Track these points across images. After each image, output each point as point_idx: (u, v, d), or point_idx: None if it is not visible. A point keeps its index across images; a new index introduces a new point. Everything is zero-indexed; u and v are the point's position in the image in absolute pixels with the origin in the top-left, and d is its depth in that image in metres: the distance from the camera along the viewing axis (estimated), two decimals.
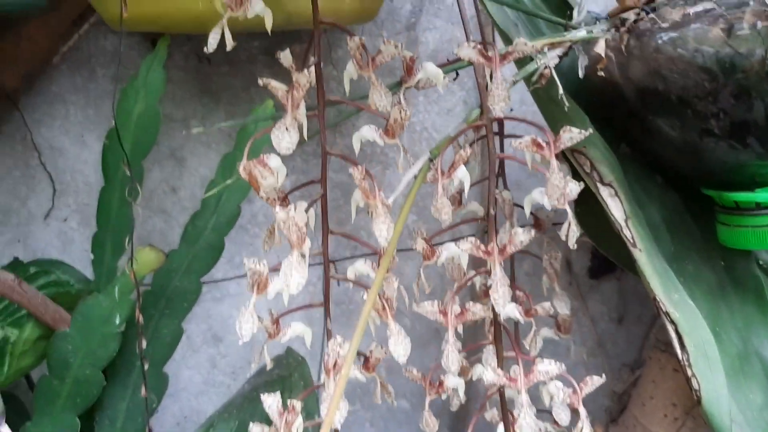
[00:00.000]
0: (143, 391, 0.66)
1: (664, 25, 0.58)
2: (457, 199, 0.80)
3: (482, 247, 0.54)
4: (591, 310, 0.97)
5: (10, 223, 0.99)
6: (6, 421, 0.79)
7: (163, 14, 0.73)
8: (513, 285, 0.80)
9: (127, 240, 0.64)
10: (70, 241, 0.99)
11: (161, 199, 0.98)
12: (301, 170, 0.97)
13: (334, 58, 0.95)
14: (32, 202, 0.99)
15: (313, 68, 0.53)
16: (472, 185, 0.76)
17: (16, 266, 0.83)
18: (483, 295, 0.78)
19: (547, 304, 0.64)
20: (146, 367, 0.67)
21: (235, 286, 0.99)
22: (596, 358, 0.98)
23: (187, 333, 1.00)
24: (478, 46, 0.53)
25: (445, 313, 0.55)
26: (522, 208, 0.63)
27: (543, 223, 0.80)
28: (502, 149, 0.84)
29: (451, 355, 0.54)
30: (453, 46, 0.94)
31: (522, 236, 0.53)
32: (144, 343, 0.66)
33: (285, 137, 0.47)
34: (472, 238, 0.54)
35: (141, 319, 0.64)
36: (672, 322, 0.65)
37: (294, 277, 0.49)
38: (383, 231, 0.50)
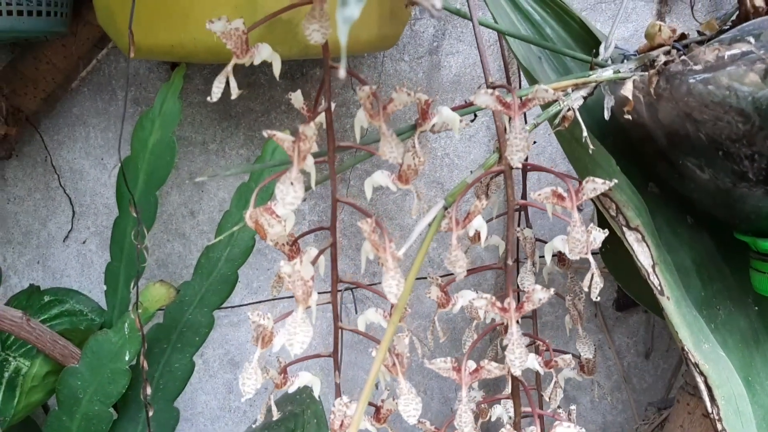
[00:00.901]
0: None
1: (697, 67, 0.55)
2: (477, 234, 0.77)
3: (498, 304, 0.51)
4: (617, 344, 0.94)
5: (30, 245, 0.99)
6: None
7: (177, 45, 0.72)
8: (534, 324, 0.78)
9: (132, 283, 0.63)
10: (89, 263, 0.98)
11: (180, 223, 0.97)
12: (319, 195, 0.95)
13: (355, 83, 0.93)
14: (52, 224, 0.99)
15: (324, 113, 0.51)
16: (496, 217, 0.74)
17: (31, 293, 0.83)
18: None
19: (568, 357, 0.61)
20: (151, 413, 0.65)
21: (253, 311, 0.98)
22: (621, 393, 0.95)
23: (204, 358, 0.99)
24: (496, 93, 0.50)
25: (458, 370, 0.52)
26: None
27: (567, 260, 0.77)
28: (525, 185, 0.82)
29: (464, 416, 0.52)
30: (476, 71, 0.92)
31: (541, 294, 0.51)
32: (149, 389, 0.64)
33: (290, 192, 0.45)
34: (488, 295, 0.51)
35: (146, 364, 0.62)
36: (701, 373, 0.61)
37: (298, 335, 0.47)
38: (393, 287, 0.48)
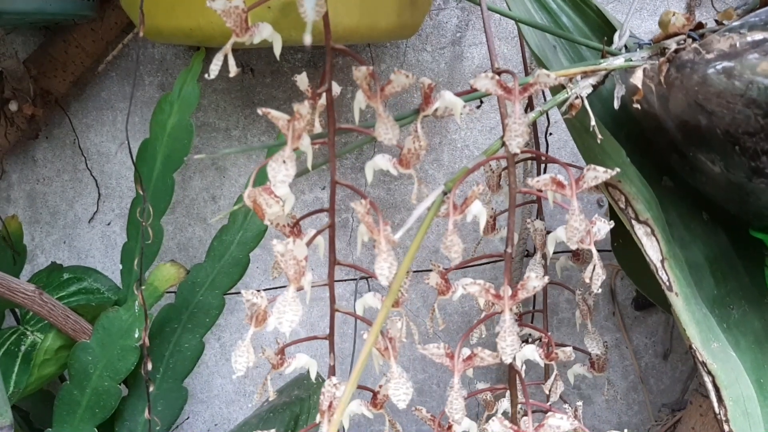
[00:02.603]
0: (147, 413, 0.66)
1: (710, 55, 0.53)
2: (491, 225, 0.76)
3: (492, 290, 0.50)
4: (634, 343, 0.92)
5: (57, 225, 1.02)
6: (28, 422, 0.80)
7: (196, 28, 0.72)
8: (545, 318, 0.77)
9: (136, 261, 0.63)
10: (113, 244, 1.00)
11: (201, 208, 0.98)
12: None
13: (377, 72, 0.93)
14: (78, 205, 1.01)
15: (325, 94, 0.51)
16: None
17: (51, 271, 0.85)
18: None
19: (568, 349, 0.60)
20: (151, 389, 0.66)
21: (270, 296, 0.99)
22: (638, 394, 0.93)
23: (220, 342, 1.00)
24: (497, 78, 0.49)
25: (451, 357, 0.52)
26: None
27: (581, 255, 0.75)
28: (541, 173, 0.80)
29: (456, 403, 0.51)
30: (500, 63, 0.90)
31: (535, 282, 0.50)
32: (151, 366, 0.65)
33: (281, 170, 0.46)
34: (482, 281, 0.51)
35: (147, 340, 0.63)
36: (709, 373, 0.60)
37: (287, 314, 0.47)
38: (385, 270, 0.48)
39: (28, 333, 0.77)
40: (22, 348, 0.76)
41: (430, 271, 0.59)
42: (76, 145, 1.00)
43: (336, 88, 0.56)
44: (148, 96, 0.97)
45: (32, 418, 0.87)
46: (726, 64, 0.53)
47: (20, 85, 0.91)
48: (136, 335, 0.71)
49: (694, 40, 0.57)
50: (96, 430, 0.72)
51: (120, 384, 0.74)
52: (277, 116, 0.47)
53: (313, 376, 0.57)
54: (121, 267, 0.85)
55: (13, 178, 1.01)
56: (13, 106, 0.93)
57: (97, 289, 0.81)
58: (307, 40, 0.39)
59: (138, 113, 0.98)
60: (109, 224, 1.01)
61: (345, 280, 0.96)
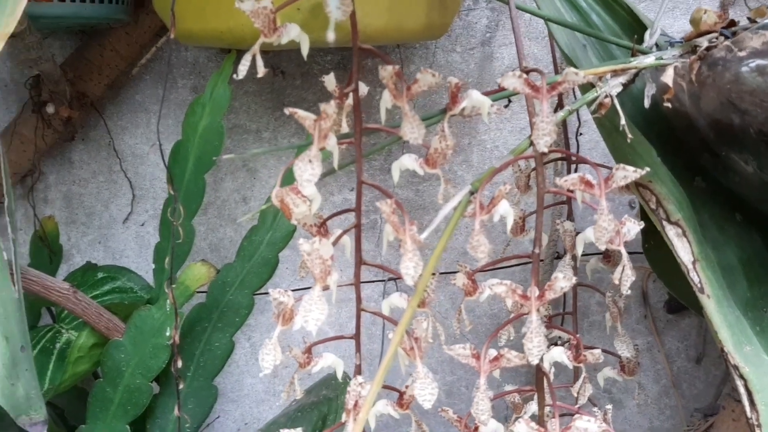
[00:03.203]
0: (176, 410, 0.67)
1: (742, 53, 0.52)
2: (520, 225, 0.76)
3: (519, 291, 0.50)
4: (667, 347, 0.91)
5: (92, 225, 1.04)
6: (63, 418, 0.82)
7: (226, 31, 0.73)
8: (574, 320, 0.76)
9: (167, 260, 0.64)
10: (146, 245, 1.02)
11: (232, 209, 0.99)
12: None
13: (406, 73, 0.93)
14: (113, 206, 1.03)
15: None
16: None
17: (86, 270, 0.87)
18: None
19: (597, 351, 0.59)
20: (181, 386, 0.67)
21: (298, 296, 1.00)
22: (670, 398, 0.91)
23: (251, 341, 1.01)
24: (524, 76, 0.49)
25: (477, 358, 0.52)
26: None
27: (612, 257, 0.75)
28: (571, 174, 0.80)
29: (482, 404, 0.51)
30: (529, 63, 0.90)
31: (563, 283, 0.49)
32: (181, 364, 0.66)
33: (307, 169, 0.46)
34: (508, 281, 0.50)
35: (177, 338, 0.64)
36: (741, 377, 0.59)
37: (313, 313, 0.47)
38: (410, 269, 0.48)
39: (63, 331, 0.79)
40: (57, 345, 0.77)
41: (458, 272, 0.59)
42: (111, 147, 1.02)
43: (363, 89, 0.56)
44: (182, 98, 0.99)
45: (67, 415, 0.88)
46: (759, 62, 0.52)
47: (57, 88, 0.93)
48: (168, 333, 0.72)
49: (726, 37, 0.56)
50: (128, 427, 0.73)
51: (152, 382, 0.76)
52: (304, 116, 0.47)
53: (339, 375, 0.57)
54: (153, 266, 0.86)
55: (51, 180, 1.03)
56: (50, 109, 0.95)
57: (131, 288, 0.82)
58: (330, 37, 0.39)
59: (171, 116, 0.99)
60: (142, 225, 1.02)
61: (374, 281, 0.97)
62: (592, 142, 0.91)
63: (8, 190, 0.64)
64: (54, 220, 0.99)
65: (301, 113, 0.47)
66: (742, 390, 0.58)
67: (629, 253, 0.54)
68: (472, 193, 0.54)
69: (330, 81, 0.55)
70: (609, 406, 0.65)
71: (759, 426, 0.56)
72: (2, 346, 0.57)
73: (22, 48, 0.86)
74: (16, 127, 0.97)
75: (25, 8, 0.78)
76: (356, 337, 0.56)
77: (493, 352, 0.52)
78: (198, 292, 0.81)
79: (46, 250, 0.97)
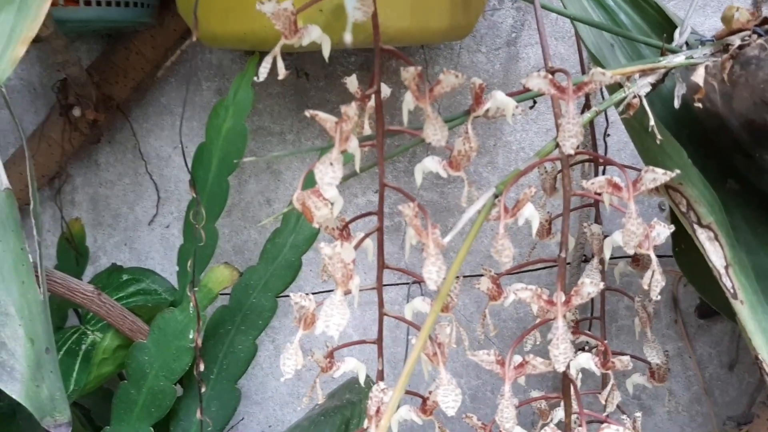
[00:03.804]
0: (198, 413, 0.67)
1: None
2: (546, 228, 0.74)
3: (544, 296, 0.49)
4: (698, 353, 0.88)
5: (118, 227, 1.04)
6: (89, 418, 0.82)
7: (249, 32, 0.73)
8: (602, 325, 0.74)
9: (189, 262, 0.64)
10: (172, 247, 1.02)
11: (256, 211, 0.99)
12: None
13: (430, 74, 0.92)
14: (139, 208, 1.03)
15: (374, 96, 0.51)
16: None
17: (111, 272, 0.87)
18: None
19: (626, 358, 0.57)
20: (204, 389, 0.67)
21: (322, 299, 0.99)
22: (702, 406, 0.89)
23: (275, 344, 1.01)
24: (549, 77, 0.48)
25: (502, 364, 0.51)
26: None
27: (641, 261, 0.73)
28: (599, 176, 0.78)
29: (506, 411, 0.50)
30: (555, 63, 0.89)
31: (590, 288, 0.48)
32: (203, 367, 0.66)
33: (329, 172, 0.45)
34: (533, 287, 0.49)
35: (200, 341, 0.64)
36: None
37: (334, 318, 0.47)
38: (433, 273, 0.47)
39: (89, 332, 0.79)
40: (83, 347, 0.78)
41: (483, 275, 0.58)
42: (136, 150, 1.02)
43: (386, 90, 0.56)
44: (206, 101, 0.99)
45: (93, 415, 0.89)
46: None
47: (83, 91, 0.93)
48: (191, 336, 0.72)
49: (759, 36, 0.54)
50: (152, 429, 0.73)
51: (175, 384, 0.76)
52: (325, 118, 0.47)
53: (362, 380, 0.57)
54: (177, 269, 0.87)
55: (77, 182, 1.04)
56: (76, 112, 0.96)
57: (155, 290, 0.83)
58: (348, 39, 0.38)
59: (196, 118, 0.99)
60: (167, 227, 1.03)
61: (397, 284, 0.96)
62: (620, 143, 0.89)
63: (33, 193, 0.65)
64: (81, 222, 1.00)
65: (321, 115, 0.47)
66: None
67: (659, 256, 0.52)
68: (496, 196, 0.53)
69: (352, 83, 0.54)
70: (638, 414, 0.63)
71: None
72: (27, 348, 0.57)
73: (49, 52, 0.86)
74: (44, 131, 0.98)
75: (52, 12, 0.80)
76: (378, 341, 0.55)
77: (518, 359, 0.51)
78: (221, 294, 0.81)
79: (73, 252, 0.97)
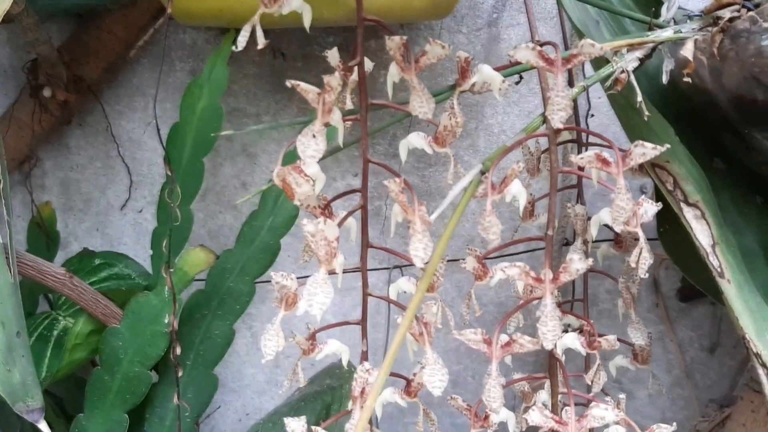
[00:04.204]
0: (175, 398, 0.65)
1: (767, 24, 0.50)
2: (529, 210, 0.74)
3: (532, 273, 0.48)
4: (679, 336, 0.88)
5: (90, 212, 1.01)
6: (62, 407, 0.80)
7: (225, 8, 0.71)
8: (585, 307, 0.74)
9: (165, 243, 0.62)
10: (145, 232, 1.00)
11: (231, 195, 0.97)
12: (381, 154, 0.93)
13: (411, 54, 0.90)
14: (111, 192, 1.00)
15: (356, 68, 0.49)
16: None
17: (83, 256, 0.84)
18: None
19: (612, 338, 0.57)
20: (180, 374, 0.65)
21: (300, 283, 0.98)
22: (683, 389, 0.89)
23: (252, 331, 0.99)
24: (537, 48, 0.47)
25: (489, 343, 0.50)
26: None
27: (624, 242, 0.72)
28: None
29: (493, 391, 0.49)
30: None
31: (578, 264, 0.47)
32: (178, 349, 0.64)
33: (311, 144, 0.44)
34: (521, 263, 0.48)
35: (176, 324, 0.62)
36: (764, 365, 0.56)
37: (317, 296, 0.45)
38: (420, 251, 0.46)
39: (60, 318, 0.77)
40: (54, 333, 0.75)
41: (465, 260, 0.56)
42: (108, 132, 0.99)
43: (368, 64, 0.54)
44: (180, 82, 0.96)
45: (65, 404, 0.86)
46: None
47: (54, 71, 0.90)
48: (166, 320, 0.70)
49: (749, 9, 0.54)
50: (126, 416, 0.71)
51: (150, 370, 0.74)
52: (307, 89, 0.45)
53: (345, 362, 0.55)
54: (151, 253, 0.84)
55: (48, 166, 1.01)
56: (47, 93, 0.93)
57: (128, 274, 0.80)
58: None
59: (170, 99, 0.97)
60: (140, 211, 1.00)
61: (378, 269, 0.94)
62: (602, 126, 0.88)
63: (3, 174, 0.62)
64: (51, 207, 0.97)
65: (303, 86, 0.45)
66: (764, 379, 0.55)
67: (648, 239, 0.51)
68: (482, 173, 0.51)
69: (333, 56, 0.53)
70: (622, 396, 0.63)
71: None
72: None
73: (20, 31, 0.83)
74: (14, 113, 0.95)
75: None
76: (362, 322, 0.54)
77: (504, 338, 0.50)
78: (196, 279, 0.79)
79: (44, 237, 0.95)
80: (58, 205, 1.00)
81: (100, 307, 0.71)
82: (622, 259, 0.75)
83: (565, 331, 0.73)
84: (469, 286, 0.87)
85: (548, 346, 0.47)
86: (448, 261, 0.90)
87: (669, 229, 0.67)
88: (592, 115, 0.84)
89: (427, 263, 0.48)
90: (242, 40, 0.46)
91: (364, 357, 0.53)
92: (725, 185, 0.62)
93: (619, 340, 0.67)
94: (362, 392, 0.48)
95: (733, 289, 0.57)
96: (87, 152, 1.00)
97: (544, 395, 0.68)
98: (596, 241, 0.69)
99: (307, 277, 0.94)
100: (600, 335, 0.61)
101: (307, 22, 0.49)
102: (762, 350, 0.56)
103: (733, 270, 0.57)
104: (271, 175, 0.96)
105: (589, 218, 0.70)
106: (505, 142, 0.53)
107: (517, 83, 0.54)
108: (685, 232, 0.59)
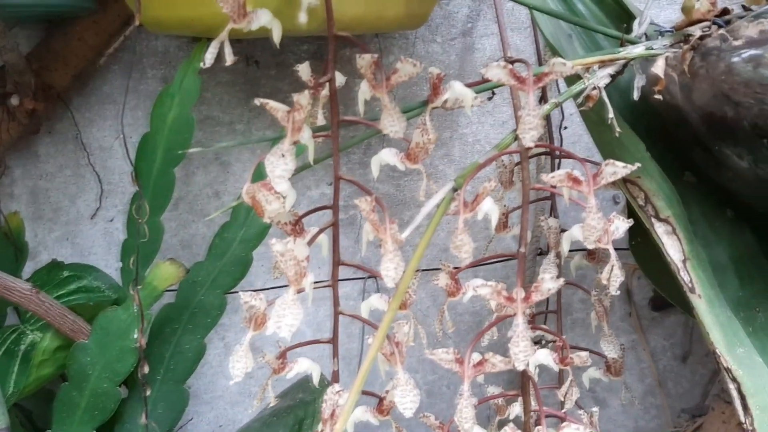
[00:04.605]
0: (143, 418, 0.64)
1: (737, 42, 0.50)
2: (503, 222, 0.73)
3: (504, 293, 0.48)
4: (652, 345, 0.89)
5: (59, 221, 0.99)
6: (31, 420, 0.79)
7: (196, 18, 0.70)
8: (558, 320, 0.74)
9: (132, 260, 0.61)
10: (116, 242, 0.98)
11: (204, 204, 0.96)
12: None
13: (385, 64, 0.90)
14: (81, 201, 0.99)
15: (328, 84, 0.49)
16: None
17: (52, 268, 0.83)
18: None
19: (584, 354, 0.57)
20: (149, 392, 0.64)
21: (274, 296, 0.97)
22: (656, 398, 0.90)
23: (225, 341, 0.98)
24: (509, 67, 0.47)
25: (461, 362, 0.49)
26: None
27: (597, 254, 0.72)
28: (555, 169, 0.77)
29: (465, 411, 0.48)
30: (512, 54, 0.88)
31: (550, 284, 0.47)
32: (146, 367, 0.63)
33: (279, 164, 0.43)
34: (493, 282, 0.48)
35: (143, 341, 0.61)
36: (734, 380, 0.57)
37: (286, 318, 0.45)
38: (391, 271, 0.45)
39: (28, 332, 0.75)
40: (22, 347, 0.74)
41: (440, 270, 0.56)
42: (78, 140, 0.98)
43: (340, 78, 0.54)
44: (152, 89, 0.95)
45: (35, 417, 0.85)
46: (755, 51, 0.50)
47: (21, 79, 0.89)
48: (135, 336, 0.69)
49: (719, 27, 0.54)
50: None
51: (120, 386, 0.72)
52: (276, 107, 0.44)
53: (316, 381, 0.55)
54: (122, 265, 0.83)
55: (16, 174, 0.99)
56: (14, 101, 0.91)
57: (97, 287, 0.79)
58: (302, 18, 0.36)
59: (141, 107, 0.95)
60: (111, 221, 0.98)
61: (352, 279, 0.94)
62: (575, 136, 0.88)
63: None
64: (19, 216, 0.95)
65: (272, 104, 0.44)
66: (734, 393, 0.56)
67: (615, 249, 0.51)
68: (455, 189, 0.51)
69: (304, 70, 0.52)
70: (595, 409, 0.63)
71: (753, 431, 0.54)
72: None
73: None
74: None
75: None
76: (334, 341, 0.53)
77: (477, 357, 0.50)
78: (168, 291, 0.78)
79: (12, 248, 0.93)
80: (27, 215, 0.98)
81: (67, 322, 0.69)
82: (595, 269, 0.75)
83: (539, 342, 0.73)
84: (444, 295, 0.87)
85: (520, 367, 0.46)
86: (422, 271, 0.90)
87: (640, 242, 0.67)
88: (566, 127, 0.85)
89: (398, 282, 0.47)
90: (209, 56, 0.45)
91: (335, 378, 0.53)
92: (696, 199, 0.62)
93: (592, 351, 0.68)
94: (332, 414, 0.48)
95: (703, 304, 0.57)
96: (56, 160, 0.98)
97: (518, 408, 0.68)
98: (570, 251, 0.69)
99: (282, 287, 0.93)
100: (573, 347, 0.61)
101: (276, 38, 0.49)
102: (732, 365, 0.56)
103: (703, 285, 0.57)
104: (243, 184, 0.95)
105: (562, 230, 0.70)
106: (478, 158, 0.53)
107: (489, 99, 0.54)
108: (656, 246, 0.59)
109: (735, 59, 0.50)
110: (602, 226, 0.48)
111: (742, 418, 0.56)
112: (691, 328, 0.88)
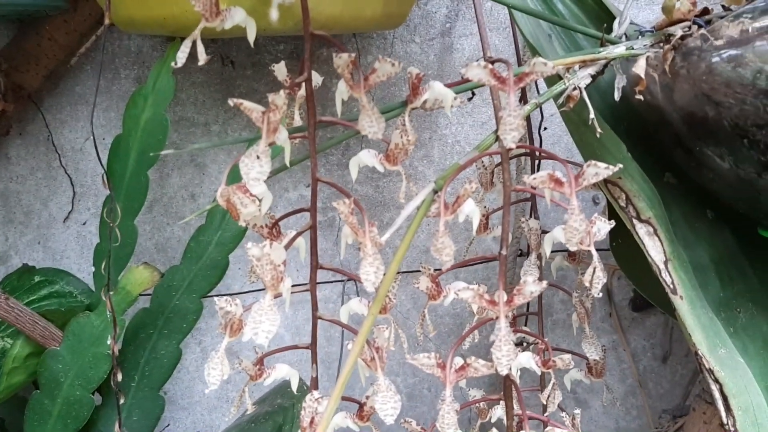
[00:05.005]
0: (117, 426, 0.62)
1: (718, 42, 0.50)
2: (484, 224, 0.73)
3: (486, 296, 0.47)
4: (632, 346, 0.89)
5: (31, 225, 0.97)
6: (3, 428, 0.76)
7: (169, 17, 0.68)
8: (540, 322, 0.73)
9: (104, 264, 0.59)
10: (89, 245, 0.96)
11: (179, 206, 0.94)
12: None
13: (363, 64, 0.89)
14: (53, 204, 0.97)
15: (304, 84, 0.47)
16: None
17: (22, 273, 0.81)
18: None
19: (567, 357, 0.56)
20: (122, 400, 0.62)
21: (252, 299, 0.95)
22: (636, 398, 0.89)
23: (201, 346, 0.96)
24: (490, 66, 0.46)
25: (443, 367, 0.48)
26: None
27: (577, 255, 0.72)
28: (536, 170, 0.77)
29: (447, 417, 0.47)
30: (492, 54, 0.87)
31: (532, 287, 0.46)
32: (120, 375, 0.61)
33: (255, 166, 0.42)
34: (475, 285, 0.47)
35: (116, 349, 0.59)
36: (716, 381, 0.56)
37: (263, 324, 0.43)
38: (371, 275, 0.44)
39: None
40: None
41: (420, 272, 0.55)
42: (50, 142, 0.95)
43: (317, 78, 0.52)
44: (125, 90, 0.93)
45: (7, 426, 0.83)
46: (733, 51, 0.50)
47: None
48: (109, 342, 0.67)
49: (699, 27, 0.54)
50: None
51: (93, 393, 0.70)
52: (251, 108, 0.43)
53: (294, 387, 0.53)
54: (92, 269, 0.81)
55: None
56: None
57: (70, 292, 0.77)
58: (274, 16, 0.35)
59: (114, 108, 0.93)
60: (84, 224, 0.96)
61: (332, 282, 0.93)
62: (555, 137, 0.88)
63: None
64: None
65: (247, 104, 0.43)
66: (717, 394, 0.55)
67: (600, 249, 0.51)
68: (435, 191, 0.50)
69: (280, 70, 0.51)
70: (577, 411, 0.62)
71: (735, 431, 0.54)
72: None
73: None
74: None
75: None
76: (312, 346, 0.52)
77: (459, 361, 0.49)
78: (143, 295, 0.76)
79: None
80: None
81: (38, 329, 0.67)
82: (575, 270, 0.75)
83: (520, 344, 0.73)
84: (425, 298, 0.86)
85: (503, 371, 0.46)
86: (402, 273, 0.89)
87: (621, 243, 0.67)
88: (545, 128, 0.84)
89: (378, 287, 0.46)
90: (182, 56, 0.44)
91: (314, 384, 0.51)
92: (676, 200, 0.62)
93: (573, 353, 0.67)
94: (311, 422, 0.46)
95: (685, 305, 0.57)
96: (28, 163, 0.96)
97: (500, 411, 0.67)
98: (552, 251, 0.69)
99: (259, 290, 0.91)
100: (555, 349, 0.61)
101: (251, 37, 0.47)
102: (715, 366, 0.56)
103: (685, 286, 0.57)
104: (219, 186, 0.93)
105: (543, 232, 0.69)
106: (456, 159, 0.52)
107: (469, 99, 0.53)
108: (638, 247, 0.59)
109: (716, 59, 0.50)
110: (584, 228, 0.47)
111: (725, 419, 0.56)
112: (671, 328, 0.88)
